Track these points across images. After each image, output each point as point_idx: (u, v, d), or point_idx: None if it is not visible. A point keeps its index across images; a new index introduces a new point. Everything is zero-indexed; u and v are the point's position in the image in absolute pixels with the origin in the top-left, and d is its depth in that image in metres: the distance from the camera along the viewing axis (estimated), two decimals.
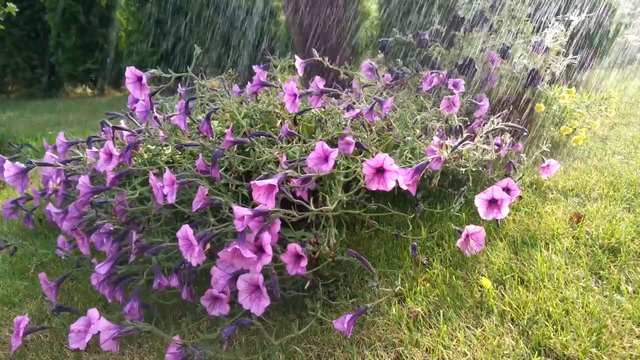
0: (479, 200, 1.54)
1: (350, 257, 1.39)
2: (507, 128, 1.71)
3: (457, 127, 1.64)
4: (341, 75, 2.60)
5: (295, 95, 1.89)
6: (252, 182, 1.26)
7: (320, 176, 1.43)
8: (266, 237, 1.25)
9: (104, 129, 2.18)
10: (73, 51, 9.07)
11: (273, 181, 1.25)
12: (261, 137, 1.74)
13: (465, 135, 1.60)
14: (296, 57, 2.24)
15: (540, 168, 2.13)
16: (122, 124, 2.28)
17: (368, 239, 1.79)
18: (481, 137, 1.72)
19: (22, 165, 1.84)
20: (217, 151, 1.55)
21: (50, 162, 2.03)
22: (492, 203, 1.54)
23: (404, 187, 1.34)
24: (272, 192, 1.26)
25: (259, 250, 1.27)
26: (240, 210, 1.23)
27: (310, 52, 2.29)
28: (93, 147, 2.06)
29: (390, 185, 1.31)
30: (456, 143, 1.56)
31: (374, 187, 1.32)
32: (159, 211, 1.63)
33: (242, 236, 1.25)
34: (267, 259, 1.25)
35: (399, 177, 1.31)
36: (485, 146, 1.79)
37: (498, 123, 1.66)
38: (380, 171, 1.31)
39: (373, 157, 1.31)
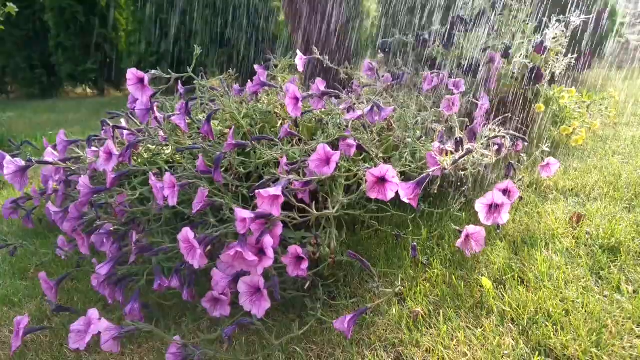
0: (480, 205, 1.53)
1: (350, 258, 1.39)
2: (507, 135, 1.71)
3: (458, 139, 1.65)
4: (341, 75, 2.60)
5: (297, 99, 1.83)
6: (256, 192, 1.25)
7: (321, 179, 1.43)
8: (268, 240, 1.25)
9: (104, 128, 2.17)
10: (73, 51, 9.07)
11: (277, 191, 1.25)
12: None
13: (466, 149, 1.59)
14: (298, 52, 2.22)
15: (540, 167, 2.13)
16: (123, 123, 2.28)
17: (368, 239, 1.79)
18: (482, 144, 1.72)
19: (22, 163, 1.84)
20: (219, 154, 1.54)
21: (50, 159, 2.03)
22: (493, 207, 1.53)
23: (406, 200, 1.35)
24: (277, 201, 1.26)
25: (260, 252, 1.26)
26: (241, 213, 1.22)
27: (311, 51, 2.29)
28: (93, 147, 2.06)
29: (389, 195, 1.32)
30: (457, 157, 1.54)
31: (373, 195, 1.33)
32: (159, 211, 1.63)
33: (244, 238, 1.24)
34: (268, 262, 1.24)
35: (399, 189, 1.32)
36: (485, 151, 1.79)
37: (499, 131, 1.66)
38: (381, 180, 1.32)
39: (373, 159, 1.31)
